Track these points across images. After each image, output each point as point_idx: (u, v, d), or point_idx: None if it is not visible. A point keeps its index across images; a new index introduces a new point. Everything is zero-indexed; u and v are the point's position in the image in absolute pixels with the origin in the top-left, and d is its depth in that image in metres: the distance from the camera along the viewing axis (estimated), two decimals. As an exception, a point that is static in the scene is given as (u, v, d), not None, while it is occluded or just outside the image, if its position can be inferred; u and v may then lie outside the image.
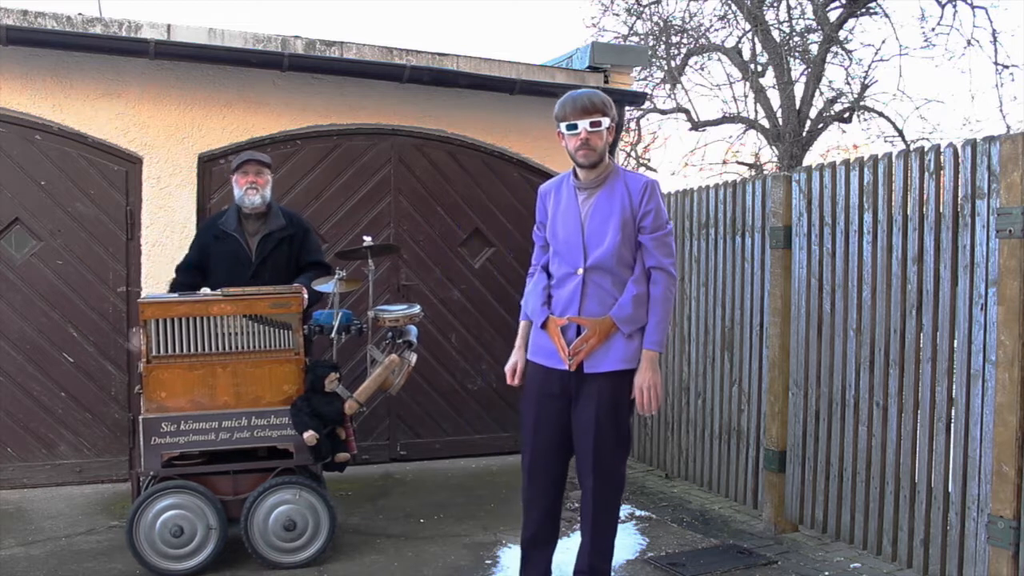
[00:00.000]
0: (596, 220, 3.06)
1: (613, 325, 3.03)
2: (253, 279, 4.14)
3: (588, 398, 3.06)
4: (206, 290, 4.02)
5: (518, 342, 3.29)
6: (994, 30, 11.81)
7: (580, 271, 3.05)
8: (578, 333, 3.06)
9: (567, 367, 3.05)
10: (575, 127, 3.00)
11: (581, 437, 3.09)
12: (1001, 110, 11.81)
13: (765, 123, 13.44)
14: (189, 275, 4.31)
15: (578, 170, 3.11)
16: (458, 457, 5.90)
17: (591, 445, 3.06)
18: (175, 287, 4.33)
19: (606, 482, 3.09)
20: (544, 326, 3.12)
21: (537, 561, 3.23)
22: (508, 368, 3.29)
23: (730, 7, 13.29)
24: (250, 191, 4.24)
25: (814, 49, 13.08)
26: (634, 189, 3.07)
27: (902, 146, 11.18)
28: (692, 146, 24.77)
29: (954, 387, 3.44)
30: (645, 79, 13.50)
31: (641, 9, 13.77)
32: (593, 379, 3.06)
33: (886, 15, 12.57)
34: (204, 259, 4.31)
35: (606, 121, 3.01)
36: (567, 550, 3.68)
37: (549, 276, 3.19)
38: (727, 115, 14.16)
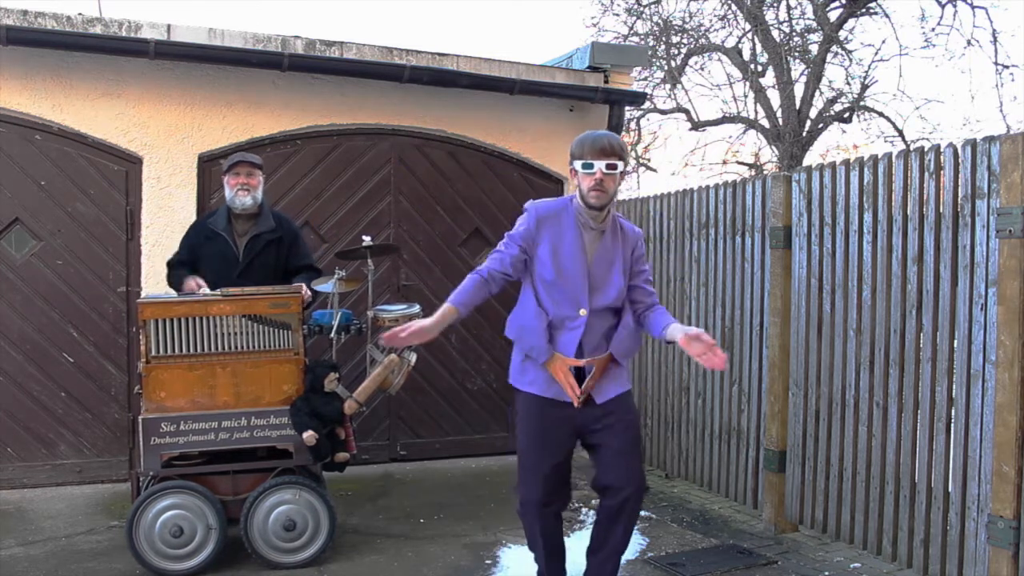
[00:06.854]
0: (602, 264, 3.08)
1: (612, 358, 3.09)
2: (240, 279, 4.11)
3: (612, 419, 3.08)
4: (205, 290, 4.02)
5: (439, 318, 3.11)
6: (994, 30, 11.84)
7: (583, 312, 3.05)
8: (582, 370, 3.08)
9: (573, 403, 3.06)
10: (591, 166, 2.96)
11: (617, 457, 3.08)
12: (1001, 110, 11.84)
13: (765, 123, 13.44)
14: (181, 271, 4.27)
15: (585, 209, 3.06)
16: (458, 457, 5.90)
17: (627, 461, 3.09)
18: (170, 280, 4.33)
19: (641, 488, 3.14)
20: (547, 363, 3.06)
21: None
22: (416, 328, 3.03)
23: (730, 7, 13.30)
24: (241, 192, 4.21)
25: (814, 49, 13.08)
26: (631, 237, 3.17)
27: (902, 146, 11.17)
28: (692, 146, 24.81)
29: (954, 387, 3.44)
30: (645, 79, 13.50)
31: (641, 9, 13.77)
32: (609, 405, 3.09)
33: (886, 15, 12.59)
34: (194, 258, 4.29)
35: (621, 165, 3.00)
36: (568, 549, 3.67)
37: (544, 310, 3.08)
38: (727, 115, 14.17)
